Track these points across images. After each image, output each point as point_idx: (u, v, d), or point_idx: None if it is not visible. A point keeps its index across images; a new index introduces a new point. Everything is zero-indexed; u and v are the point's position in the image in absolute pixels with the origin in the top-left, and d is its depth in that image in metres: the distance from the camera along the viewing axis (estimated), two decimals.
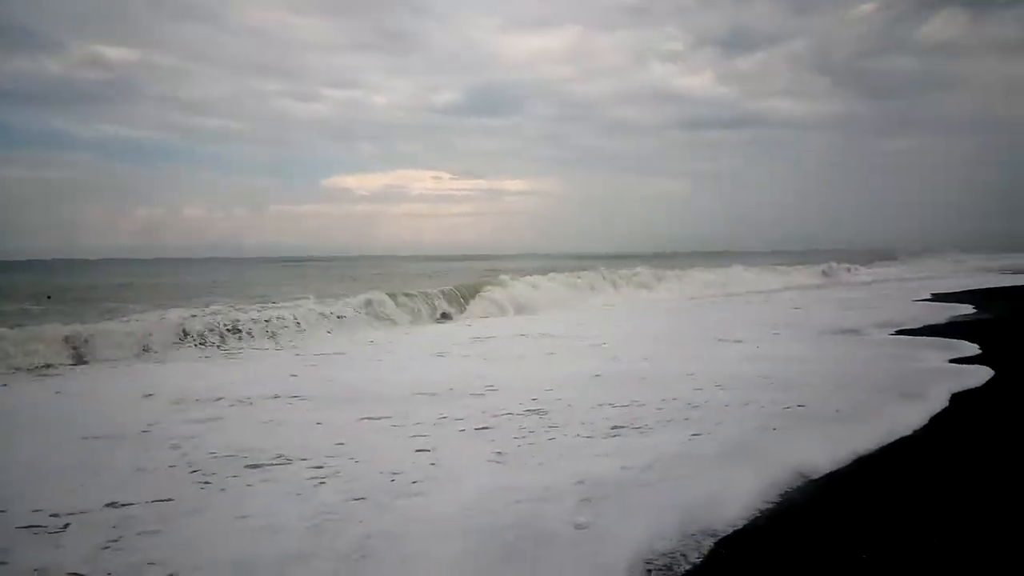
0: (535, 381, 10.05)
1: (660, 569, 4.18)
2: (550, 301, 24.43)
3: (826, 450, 6.35)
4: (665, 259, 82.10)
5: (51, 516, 5.03)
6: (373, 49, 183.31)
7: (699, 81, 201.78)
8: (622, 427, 7.36)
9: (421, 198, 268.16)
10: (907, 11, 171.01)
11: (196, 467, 6.19)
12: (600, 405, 8.39)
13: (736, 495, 5.25)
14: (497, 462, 6.26)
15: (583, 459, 6.24)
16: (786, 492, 5.48)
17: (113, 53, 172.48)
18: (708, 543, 4.54)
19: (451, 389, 9.60)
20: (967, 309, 20.30)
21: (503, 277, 25.58)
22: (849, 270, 42.84)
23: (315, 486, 5.65)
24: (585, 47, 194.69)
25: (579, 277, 29.29)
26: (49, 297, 31.04)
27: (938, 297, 24.62)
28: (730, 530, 4.74)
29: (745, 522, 4.89)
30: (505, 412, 8.12)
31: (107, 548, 4.50)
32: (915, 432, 7.20)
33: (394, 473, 5.88)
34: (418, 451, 6.59)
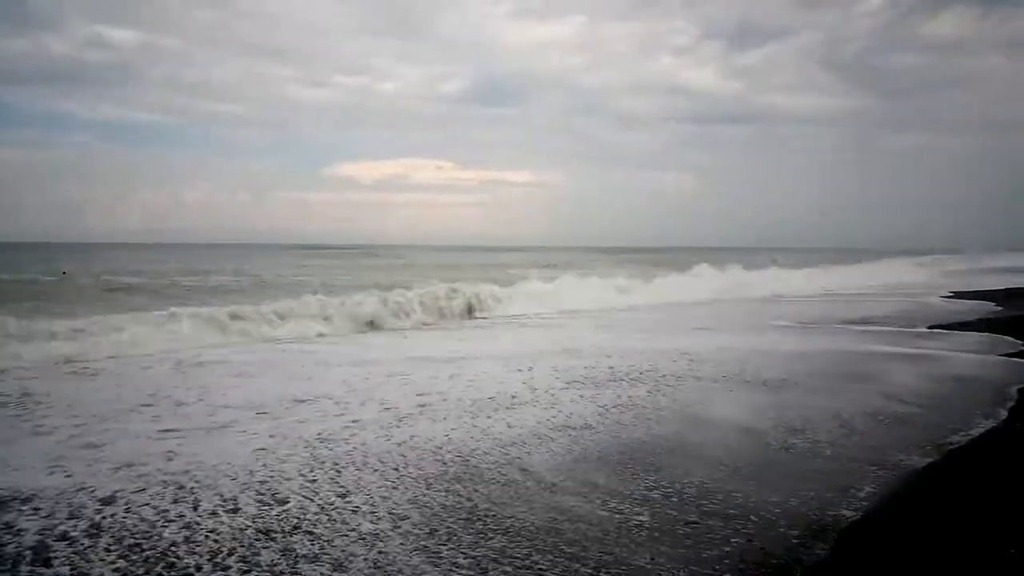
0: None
1: None
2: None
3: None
4: (666, 254, 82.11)
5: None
6: (384, 34, 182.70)
7: (706, 75, 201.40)
8: None
9: (425, 187, 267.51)
10: (916, 6, 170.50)
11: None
12: None
13: None
14: None
15: None
16: (886, 481, 5.25)
17: (117, 34, 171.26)
18: None
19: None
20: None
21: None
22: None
23: None
24: (594, 36, 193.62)
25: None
26: (64, 273, 30.83)
27: (959, 295, 24.43)
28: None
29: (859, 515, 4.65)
30: None
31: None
32: (999, 425, 6.95)
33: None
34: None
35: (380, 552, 4.07)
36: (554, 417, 7.11)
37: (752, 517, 4.58)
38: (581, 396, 8.06)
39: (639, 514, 4.63)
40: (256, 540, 4.21)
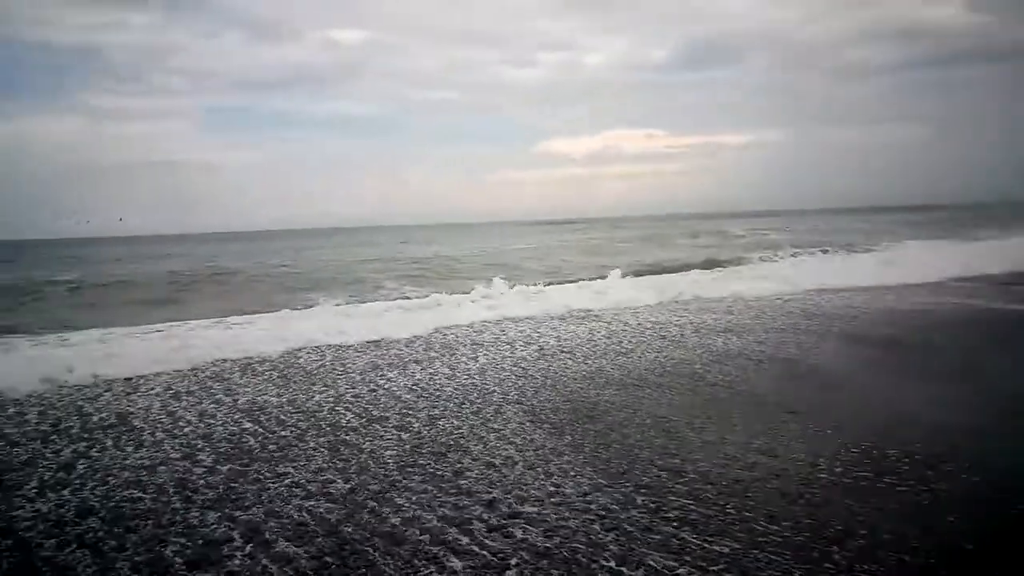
0: None
1: None
2: None
3: None
4: (906, 212, 72.41)
5: None
6: (586, 8, 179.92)
7: (949, 11, 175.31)
8: None
9: (637, 157, 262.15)
10: None
11: None
12: None
13: None
14: None
15: None
16: None
17: (344, 35, 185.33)
18: None
19: None
20: None
21: None
22: None
23: None
24: None
25: None
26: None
27: None
28: None
29: None
30: None
31: None
32: None
33: None
34: None
35: None
36: None
37: None
38: None
39: None
40: None
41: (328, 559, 3.88)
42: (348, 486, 4.95)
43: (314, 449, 5.81)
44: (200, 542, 4.14)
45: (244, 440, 6.10)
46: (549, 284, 18.28)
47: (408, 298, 16.43)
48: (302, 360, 9.71)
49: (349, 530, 4.24)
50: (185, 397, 7.79)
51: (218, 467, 5.44)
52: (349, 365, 9.27)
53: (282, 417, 6.82)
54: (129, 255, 45.23)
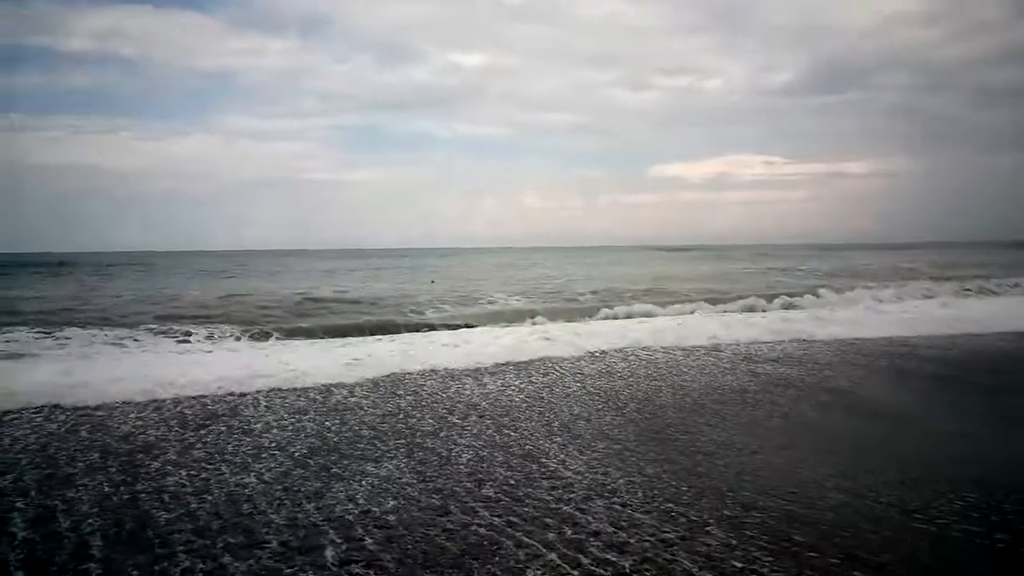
0: None
1: None
2: None
3: None
4: None
5: None
6: (706, 31, 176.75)
7: None
8: None
9: (753, 184, 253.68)
10: None
11: None
12: None
13: None
14: None
15: None
16: None
17: (466, 59, 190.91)
18: None
19: None
20: None
21: None
22: None
23: None
24: (953, 4, 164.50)
25: None
26: (432, 281, 33.64)
27: None
28: None
29: None
30: None
31: None
32: None
33: None
34: None
35: None
36: None
37: None
38: None
39: None
40: None
41: None
42: None
43: None
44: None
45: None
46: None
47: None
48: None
49: None
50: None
51: None
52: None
53: None
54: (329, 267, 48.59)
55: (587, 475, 5.72)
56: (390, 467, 5.98)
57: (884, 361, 11.22)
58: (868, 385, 9.41)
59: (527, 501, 5.12)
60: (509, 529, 4.61)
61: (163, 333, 14.63)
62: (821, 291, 22.92)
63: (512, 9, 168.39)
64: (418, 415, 7.86)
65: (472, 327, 16.12)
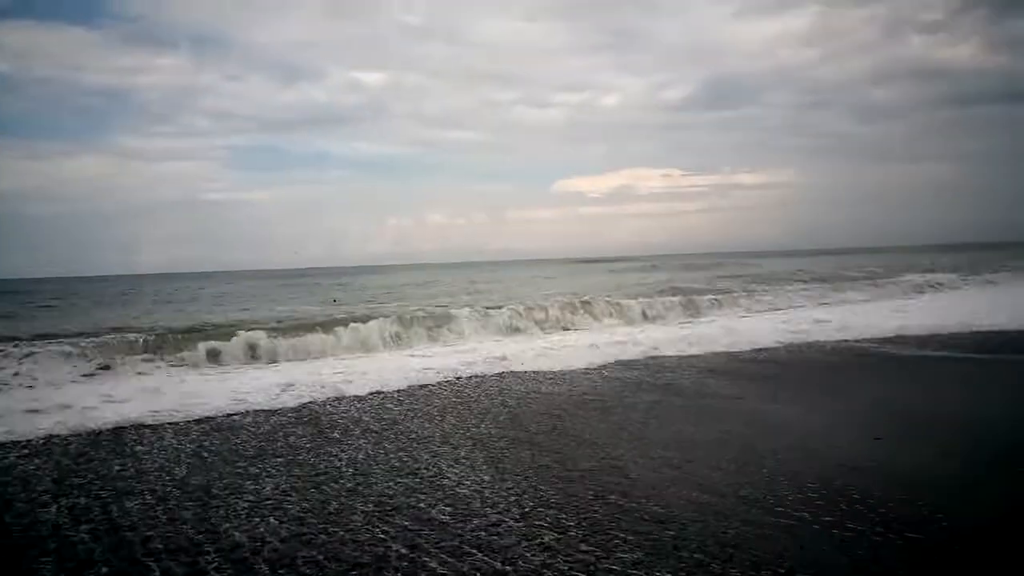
0: None
1: None
2: None
3: None
4: (952, 251, 72.73)
5: None
6: (603, 49, 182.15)
7: (965, 51, 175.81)
8: None
9: (653, 197, 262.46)
10: None
11: None
12: None
13: None
14: None
15: None
16: None
17: (368, 77, 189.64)
18: None
19: None
20: None
21: None
22: None
23: None
24: (830, 26, 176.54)
25: None
26: (335, 300, 33.43)
27: None
28: None
29: None
30: None
31: None
32: None
33: None
34: None
35: None
36: None
37: None
38: None
39: None
40: None
41: None
42: None
43: None
44: None
45: None
46: None
47: None
48: None
49: None
50: None
51: None
52: None
53: None
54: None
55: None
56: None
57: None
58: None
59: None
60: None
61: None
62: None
63: (413, 28, 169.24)
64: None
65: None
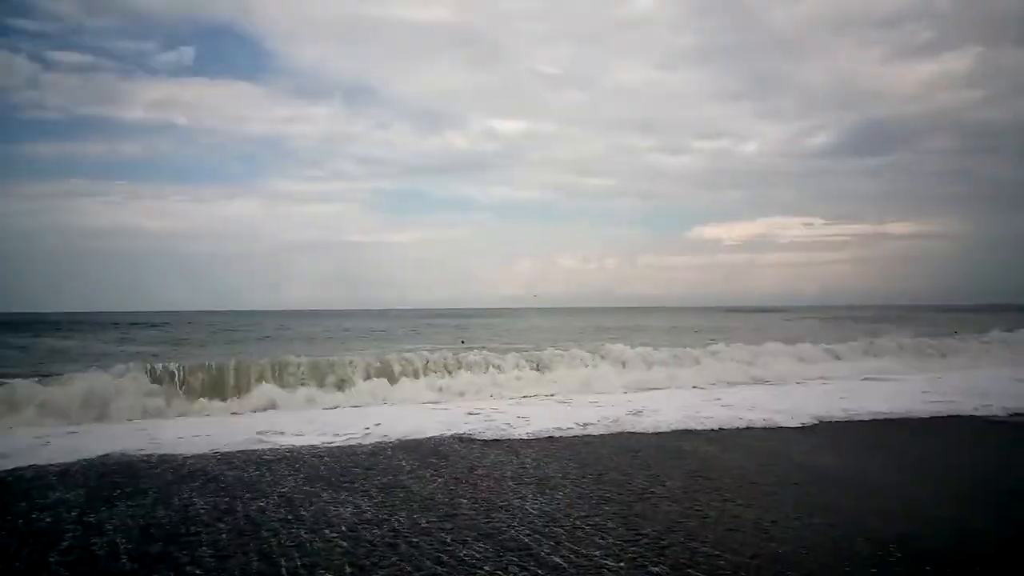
0: None
1: None
2: None
3: None
4: None
5: None
6: (742, 97, 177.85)
7: None
8: None
9: (792, 246, 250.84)
10: None
11: None
12: None
13: None
14: None
15: None
16: None
17: (505, 125, 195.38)
18: None
19: None
20: None
21: None
22: None
23: None
24: (994, 66, 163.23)
25: None
26: (463, 342, 33.87)
27: None
28: None
29: None
30: None
31: None
32: None
33: None
34: None
35: None
36: None
37: None
38: None
39: None
40: None
41: None
42: None
43: None
44: None
45: None
46: None
47: None
48: None
49: None
50: None
51: None
52: None
53: None
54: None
55: None
56: None
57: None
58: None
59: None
60: None
61: None
62: None
63: (550, 77, 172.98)
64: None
65: None
